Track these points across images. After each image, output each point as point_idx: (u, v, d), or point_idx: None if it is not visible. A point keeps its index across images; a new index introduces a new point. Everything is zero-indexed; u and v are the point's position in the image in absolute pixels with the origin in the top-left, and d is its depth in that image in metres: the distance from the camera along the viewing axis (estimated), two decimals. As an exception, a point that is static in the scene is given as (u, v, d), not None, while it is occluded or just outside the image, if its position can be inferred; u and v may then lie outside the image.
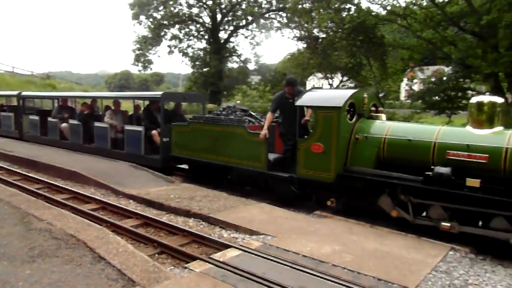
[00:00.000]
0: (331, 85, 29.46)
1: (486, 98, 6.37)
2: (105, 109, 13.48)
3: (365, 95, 7.67)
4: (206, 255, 5.57)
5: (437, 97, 23.91)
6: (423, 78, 27.18)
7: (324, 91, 9.19)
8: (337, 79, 30.33)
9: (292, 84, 8.56)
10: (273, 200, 8.50)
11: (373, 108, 7.92)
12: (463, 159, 6.08)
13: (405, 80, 28.26)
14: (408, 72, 28.17)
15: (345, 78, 29.04)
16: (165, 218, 7.33)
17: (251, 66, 35.17)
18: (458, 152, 6.13)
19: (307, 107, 8.13)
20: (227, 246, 5.69)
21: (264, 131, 8.32)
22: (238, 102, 38.11)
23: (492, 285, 4.83)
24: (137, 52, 36.75)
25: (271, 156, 8.48)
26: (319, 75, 29.86)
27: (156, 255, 5.75)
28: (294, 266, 5.01)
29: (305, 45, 28.84)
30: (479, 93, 25.23)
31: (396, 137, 6.86)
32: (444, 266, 5.21)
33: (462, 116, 28.26)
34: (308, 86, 42.20)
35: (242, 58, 36.38)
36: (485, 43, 20.54)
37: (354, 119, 7.46)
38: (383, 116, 7.77)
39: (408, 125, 8.05)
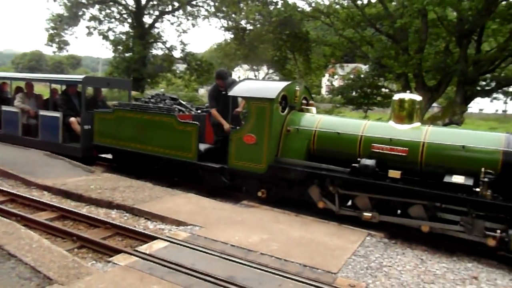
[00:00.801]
0: (256, 77, 29.85)
1: (407, 96, 6.90)
2: (16, 92, 12.18)
3: (297, 88, 7.86)
4: (131, 247, 5.35)
5: (355, 93, 25.49)
6: (343, 75, 28.76)
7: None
8: (263, 71, 30.82)
9: (222, 78, 8.45)
10: (199, 191, 8.42)
11: (304, 101, 8.16)
12: (386, 152, 6.51)
13: (327, 75, 29.57)
14: (329, 68, 29.61)
15: (270, 71, 29.59)
16: (84, 210, 6.88)
17: (176, 54, 34.23)
18: (382, 145, 6.55)
19: (240, 97, 8.13)
20: (154, 238, 5.52)
21: (226, 125, 8.17)
22: (162, 90, 36.99)
23: (402, 265, 5.29)
24: (51, 31, 33.72)
25: (202, 147, 8.30)
26: (246, 66, 30.06)
27: (76, 249, 5.38)
28: (223, 256, 5.02)
29: (232, 36, 28.85)
30: (392, 91, 27.43)
31: (326, 130, 7.12)
32: (362, 251, 5.59)
33: (377, 112, 30.56)
34: (235, 77, 42.38)
35: (168, 45, 35.33)
36: (398, 45, 22.27)
37: (286, 111, 7.59)
38: (314, 109, 8.01)
39: (337, 119, 8.40)
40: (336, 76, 29.11)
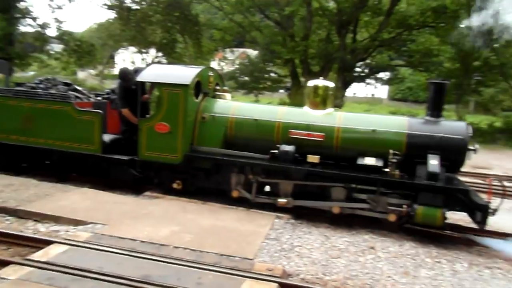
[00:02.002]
0: (144, 60, 28.37)
1: (321, 82, 7.06)
2: None
3: (211, 74, 7.57)
4: (21, 256, 4.65)
5: (246, 78, 25.97)
6: (232, 59, 29.04)
7: (169, 67, 8.59)
8: (151, 55, 29.39)
9: (125, 79, 7.60)
10: (95, 184, 7.71)
11: (217, 87, 7.89)
12: (304, 137, 6.65)
13: (217, 59, 29.53)
14: (219, 53, 29.61)
15: (159, 54, 28.38)
16: (-48, 217, 5.76)
17: (51, 32, 30.57)
18: (300, 131, 6.68)
19: (150, 83, 7.51)
20: (49, 242, 4.87)
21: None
22: (32, 73, 32.99)
23: (311, 244, 5.58)
24: None
25: (107, 138, 7.51)
26: (133, 48, 28.32)
27: None
28: (133, 254, 4.67)
29: (116, 16, 26.80)
30: (280, 76, 28.63)
31: (243, 116, 7.00)
32: (273, 234, 5.74)
33: (267, 96, 31.66)
34: (119, 60, 39.65)
35: (39, 22, 31.29)
36: (285, 32, 23.25)
37: (200, 97, 7.29)
38: (228, 96, 7.82)
39: (253, 105, 8.38)
40: (226, 61, 29.26)
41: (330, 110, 6.91)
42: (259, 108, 7.69)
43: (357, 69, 25.62)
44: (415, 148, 6.25)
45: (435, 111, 6.51)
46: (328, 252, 5.35)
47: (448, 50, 26.85)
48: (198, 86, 7.24)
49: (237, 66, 27.76)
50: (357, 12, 22.41)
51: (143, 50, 27.22)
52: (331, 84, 7.12)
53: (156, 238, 5.19)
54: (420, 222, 6.04)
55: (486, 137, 22.00)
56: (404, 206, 6.13)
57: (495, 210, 5.76)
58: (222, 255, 4.85)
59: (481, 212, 5.73)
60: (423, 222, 6.02)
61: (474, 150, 6.14)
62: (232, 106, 7.27)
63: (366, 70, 25.94)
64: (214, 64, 30.78)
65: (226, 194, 6.99)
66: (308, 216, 6.67)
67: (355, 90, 44.70)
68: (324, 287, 4.46)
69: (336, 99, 23.48)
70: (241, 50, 34.30)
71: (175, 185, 7.13)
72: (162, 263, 4.51)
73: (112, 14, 27.22)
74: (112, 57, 42.54)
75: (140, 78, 7.20)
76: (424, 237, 6.16)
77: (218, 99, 7.52)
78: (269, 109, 7.33)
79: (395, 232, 6.28)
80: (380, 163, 6.25)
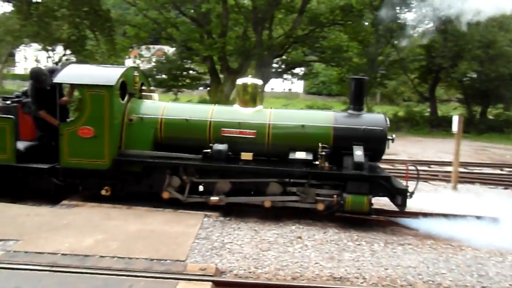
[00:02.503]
0: (51, 58, 26.24)
1: (249, 80, 7.10)
2: None
3: (136, 73, 7.22)
4: None
5: (164, 76, 25.33)
6: (149, 57, 28.12)
7: (89, 67, 8.04)
8: (58, 53, 27.25)
9: (39, 80, 6.92)
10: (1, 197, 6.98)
11: (143, 87, 7.54)
12: (236, 135, 6.67)
13: (132, 57, 28.34)
14: (133, 50, 28.46)
15: (68, 52, 26.43)
16: None
17: None
18: (231, 129, 6.67)
19: (70, 85, 6.94)
20: (-49, 267, 4.33)
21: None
22: None
23: (241, 240, 5.67)
24: None
25: (21, 145, 6.83)
26: (37, 46, 26.02)
27: None
28: (54, 269, 4.35)
29: (13, 9, 24.38)
30: (199, 73, 28.39)
31: (173, 117, 6.81)
32: (203, 233, 5.72)
33: (186, 94, 31.22)
34: (20, 58, 36.19)
35: None
36: (202, 29, 23.09)
37: (126, 99, 6.91)
38: (156, 96, 7.53)
39: (182, 105, 8.17)
40: (142, 59, 28.22)
41: (260, 107, 7.03)
42: (189, 107, 7.60)
43: (274, 65, 26.41)
44: (341, 141, 6.58)
45: (357, 105, 6.94)
46: (258, 246, 5.48)
47: (355, 46, 28.81)
48: (124, 87, 6.90)
49: (154, 64, 26.95)
50: (272, 10, 23.04)
51: (49, 48, 25.12)
52: (260, 82, 7.21)
53: (80, 249, 4.89)
54: (349, 210, 6.40)
55: (392, 125, 23.99)
56: (335, 196, 6.47)
57: (412, 193, 6.34)
58: (152, 259, 4.72)
59: (401, 196, 6.28)
60: (352, 210, 6.39)
61: (392, 139, 6.72)
62: (161, 106, 7.04)
63: (283, 66, 26.85)
64: (129, 62, 29.52)
65: (159, 197, 6.78)
66: (237, 213, 6.76)
67: (273, 85, 46.03)
68: (257, 280, 4.56)
69: (256, 95, 24.07)
70: (157, 47, 33.34)
71: (103, 192, 6.71)
72: (88, 275, 4.27)
73: (9, 7, 24.68)
74: (12, 55, 38.68)
75: (58, 79, 6.67)
76: (345, 223, 6.58)
77: (145, 100, 7.25)
78: (200, 109, 7.25)
79: (319, 221, 6.63)
80: (310, 157, 6.51)
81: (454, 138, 9.60)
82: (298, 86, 48.98)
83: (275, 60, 25.97)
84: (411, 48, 29.30)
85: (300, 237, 5.89)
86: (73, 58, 27.00)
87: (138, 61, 27.10)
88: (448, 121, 24.16)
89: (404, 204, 6.29)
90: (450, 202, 7.67)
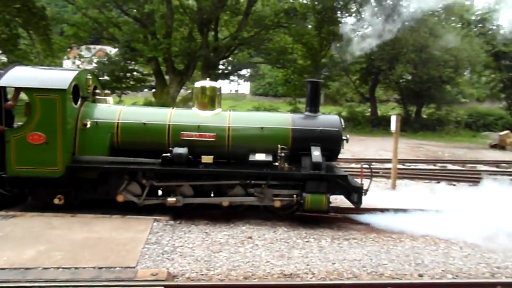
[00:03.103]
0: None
1: (208, 83, 7.07)
2: None
3: (89, 76, 6.91)
4: None
5: (106, 77, 24.42)
6: (89, 57, 26.99)
7: (38, 70, 7.54)
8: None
9: None
10: None
11: (97, 91, 7.22)
12: (196, 138, 6.61)
13: (71, 58, 27.03)
14: (73, 50, 27.18)
15: (-1, 51, 24.68)
16: None
17: None
18: (191, 132, 6.60)
19: (17, 88, 6.48)
20: None
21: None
22: None
23: (192, 242, 5.66)
24: None
25: None
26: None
27: None
28: (-8, 284, 4.09)
29: None
30: (144, 75, 27.70)
31: (130, 121, 6.62)
32: (153, 238, 5.63)
33: (131, 96, 30.26)
34: None
35: None
36: (146, 29, 22.58)
37: (79, 103, 6.58)
38: (110, 100, 7.23)
39: (139, 108, 7.89)
40: (82, 59, 27.02)
41: (218, 110, 7.03)
42: (146, 111, 7.36)
43: (221, 67, 26.44)
44: (299, 142, 6.74)
45: (313, 106, 7.15)
46: (209, 248, 5.50)
47: (300, 48, 29.59)
48: (76, 91, 6.59)
49: (95, 65, 25.90)
50: (217, 11, 23.06)
51: (-24, 47, 23.30)
52: (217, 85, 7.21)
53: (20, 262, 4.62)
54: (308, 209, 6.58)
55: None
56: (294, 195, 6.63)
57: (366, 190, 6.67)
58: (101, 268, 4.58)
59: (357, 193, 6.55)
60: (311, 208, 6.57)
61: (346, 139, 7.02)
62: (117, 110, 6.81)
63: (229, 68, 26.95)
64: (68, 63, 28.12)
65: (115, 203, 6.60)
66: (187, 216, 6.72)
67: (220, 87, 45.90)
68: (209, 282, 4.59)
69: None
70: (99, 47, 32.09)
71: (56, 201, 6.38)
72: (31, 288, 4.06)
73: None
74: None
75: (3, 82, 6.22)
76: (294, 222, 6.78)
77: (99, 104, 6.98)
78: (157, 112, 7.11)
79: (269, 220, 6.77)
80: (270, 158, 6.63)
81: (393, 136, 10.19)
82: (244, 87, 49.27)
83: (221, 62, 26.00)
84: (352, 51, 30.61)
85: (250, 237, 5.99)
86: (4, 58, 25.30)
87: (77, 62, 25.92)
88: (387, 120, 25.57)
89: (360, 201, 6.59)
90: (391, 197, 8.14)
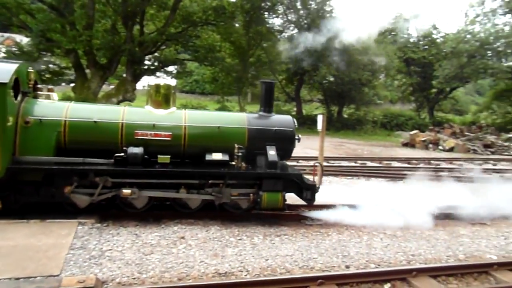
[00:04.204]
0: None
1: (162, 81, 6.85)
2: None
3: (30, 70, 6.27)
4: None
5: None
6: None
7: None
8: None
9: None
10: None
11: (38, 86, 6.56)
12: (151, 138, 6.33)
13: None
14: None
15: None
16: None
17: None
18: (146, 131, 6.31)
19: None
20: None
21: None
22: None
23: (121, 245, 5.41)
24: None
25: None
26: None
27: None
28: None
29: None
30: (62, 68, 25.77)
31: (80, 119, 6.13)
32: (78, 243, 5.28)
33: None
34: None
35: None
36: (64, 19, 20.99)
37: (19, 98, 5.91)
38: (55, 96, 6.60)
39: (89, 106, 7.33)
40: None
41: (173, 109, 6.84)
42: (96, 108, 6.88)
43: (147, 62, 25.52)
44: (255, 141, 6.80)
45: (267, 107, 7.25)
46: (140, 250, 5.30)
47: (228, 47, 29.67)
48: (16, 85, 5.93)
49: (4, 55, 23.53)
50: (143, 4, 22.21)
51: None
52: (172, 83, 7.05)
53: None
54: (265, 207, 6.64)
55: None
56: (251, 194, 6.66)
57: (318, 188, 6.90)
58: (18, 278, 4.18)
59: (310, 191, 6.77)
60: (268, 207, 6.66)
61: (298, 139, 7.19)
62: (63, 107, 6.26)
63: (156, 63, 26.12)
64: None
65: (61, 207, 6.18)
66: (114, 218, 6.41)
67: (145, 83, 44.45)
68: (142, 286, 4.42)
69: (127, 92, 22.94)
70: (7, 35, 29.22)
71: None
72: None
73: None
74: None
75: None
76: (226, 220, 6.79)
77: (42, 100, 6.36)
78: (109, 110, 6.71)
79: (201, 219, 6.70)
80: (226, 157, 6.59)
81: (319, 135, 10.65)
82: (171, 84, 48.11)
83: (147, 57, 25.11)
84: (278, 52, 31.42)
85: (183, 237, 5.89)
86: None
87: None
88: (312, 119, 26.71)
89: (313, 198, 6.82)
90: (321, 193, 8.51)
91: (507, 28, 29.28)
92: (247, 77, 30.34)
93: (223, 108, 29.58)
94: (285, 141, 7.05)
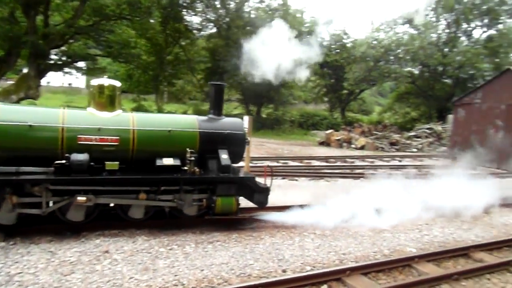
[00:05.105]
0: None
1: (107, 82, 6.15)
2: None
3: None
4: None
5: None
6: None
7: None
8: None
9: None
10: None
11: None
12: (96, 143, 5.77)
13: None
14: None
15: None
16: None
17: None
18: (91, 136, 5.73)
19: None
20: None
21: None
22: None
23: (33, 267, 4.74)
24: None
25: None
26: None
27: None
28: None
29: None
30: None
31: (11, 122, 5.32)
32: (-21, 267, 4.50)
33: None
34: None
35: None
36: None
37: None
38: None
39: (20, 107, 6.52)
40: None
41: (119, 111, 6.26)
42: (30, 110, 5.95)
43: (53, 57, 23.34)
44: (206, 145, 6.58)
45: (217, 109, 7.04)
46: (58, 271, 4.69)
47: (144, 43, 28.43)
48: None
49: None
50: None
51: None
52: (117, 84, 6.39)
53: None
54: (219, 212, 6.45)
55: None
56: (204, 200, 6.47)
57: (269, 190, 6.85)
58: None
59: (263, 193, 6.71)
60: (222, 211, 6.51)
61: (248, 142, 7.09)
62: None
63: (64, 58, 24.00)
64: None
65: None
66: (22, 234, 5.62)
67: (50, 79, 40.83)
68: (62, 313, 3.88)
69: (29, 89, 20.70)
70: None
71: None
72: None
73: None
74: None
75: None
76: (153, 228, 6.35)
77: None
78: (45, 112, 5.88)
79: (125, 230, 6.18)
80: (178, 162, 6.28)
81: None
82: (80, 81, 44.80)
83: (53, 51, 22.95)
84: (197, 50, 30.91)
85: (107, 251, 5.36)
86: None
87: None
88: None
89: (266, 201, 6.78)
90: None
91: (406, 37, 32.25)
92: (164, 76, 29.38)
93: (140, 107, 28.27)
94: (236, 144, 6.92)
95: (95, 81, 6.38)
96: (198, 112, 31.39)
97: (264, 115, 32.62)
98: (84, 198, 5.71)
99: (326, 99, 38.76)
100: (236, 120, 7.32)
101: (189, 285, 4.63)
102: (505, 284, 5.43)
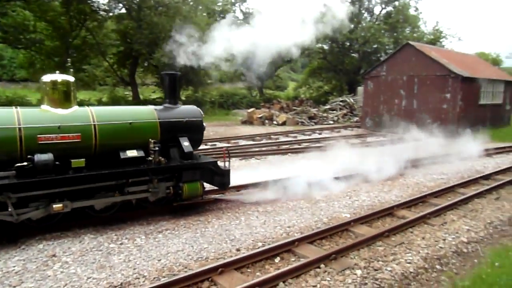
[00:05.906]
0: None
1: (60, 77, 5.90)
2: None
3: None
4: None
5: None
6: None
7: None
8: None
9: None
10: None
11: None
12: (57, 141, 5.56)
13: None
14: None
15: None
16: None
17: None
18: (51, 135, 5.49)
19: None
20: None
21: None
22: None
23: (-26, 282, 4.41)
24: None
25: None
26: None
27: None
28: None
29: None
30: None
31: None
32: None
33: None
34: None
35: None
36: None
37: None
38: None
39: None
40: None
41: (76, 107, 6.07)
42: None
43: None
44: (167, 134, 6.75)
45: (172, 98, 7.22)
46: (5, 283, 4.42)
47: (44, 26, 26.02)
48: None
49: None
50: None
51: None
52: (71, 78, 6.08)
53: None
54: (187, 197, 6.78)
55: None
56: (171, 187, 6.68)
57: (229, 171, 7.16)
58: None
59: (225, 176, 7.02)
60: (189, 196, 6.82)
61: (204, 128, 7.41)
62: None
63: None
64: None
65: None
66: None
67: None
68: (23, 324, 3.73)
69: None
70: None
71: None
72: None
73: None
74: None
75: None
76: (97, 225, 6.17)
77: None
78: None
79: (68, 230, 5.93)
80: (142, 153, 6.35)
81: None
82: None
83: None
84: (106, 33, 29.07)
85: (54, 255, 5.15)
86: None
87: None
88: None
89: (228, 183, 7.16)
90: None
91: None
92: (72, 61, 27.25)
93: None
94: (195, 131, 7.25)
95: (47, 77, 6.03)
96: (114, 99, 29.92)
97: (183, 97, 32.09)
98: (60, 205, 5.64)
99: (243, 78, 39.20)
100: (193, 108, 7.53)
101: (151, 276, 4.68)
102: (424, 234, 6.30)
